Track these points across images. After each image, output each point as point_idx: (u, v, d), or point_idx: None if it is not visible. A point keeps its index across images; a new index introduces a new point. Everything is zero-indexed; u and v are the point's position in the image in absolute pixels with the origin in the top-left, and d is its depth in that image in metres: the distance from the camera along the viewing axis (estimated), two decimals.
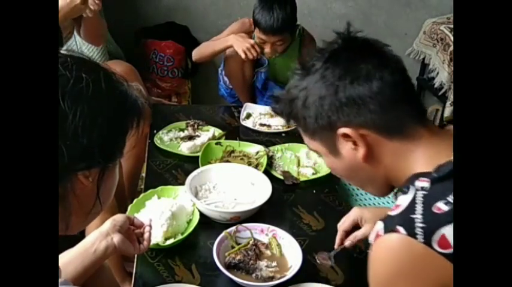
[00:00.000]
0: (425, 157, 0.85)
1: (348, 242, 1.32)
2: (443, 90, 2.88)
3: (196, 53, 2.30)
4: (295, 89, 0.92)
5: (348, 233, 1.34)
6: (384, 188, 0.97)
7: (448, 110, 2.82)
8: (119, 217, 1.21)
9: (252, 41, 2.12)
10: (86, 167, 0.76)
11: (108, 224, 1.17)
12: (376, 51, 0.91)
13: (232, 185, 1.61)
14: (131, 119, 0.83)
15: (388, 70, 0.87)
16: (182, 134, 1.95)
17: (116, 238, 1.15)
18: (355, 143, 0.88)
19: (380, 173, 0.92)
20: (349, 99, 0.86)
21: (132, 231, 1.23)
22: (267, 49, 2.15)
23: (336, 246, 1.36)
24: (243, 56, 2.10)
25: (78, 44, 2.31)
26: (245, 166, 1.71)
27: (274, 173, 1.75)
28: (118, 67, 2.04)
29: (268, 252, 1.36)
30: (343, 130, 0.87)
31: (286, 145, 1.94)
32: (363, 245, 1.43)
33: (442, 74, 2.83)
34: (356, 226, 1.34)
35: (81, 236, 1.65)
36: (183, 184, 1.56)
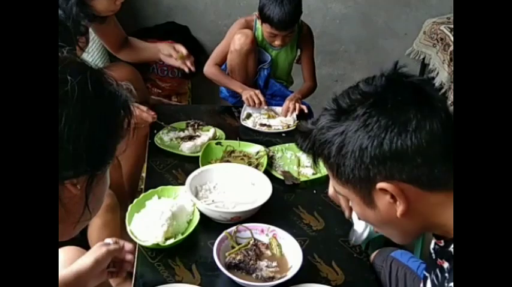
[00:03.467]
0: None
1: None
2: (443, 90, 2.87)
3: (209, 74, 2.31)
4: (329, 131, 0.82)
5: None
6: (415, 237, 0.92)
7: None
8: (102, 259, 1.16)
9: (257, 91, 2.18)
10: (73, 176, 0.73)
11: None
12: (426, 96, 0.81)
13: (233, 185, 1.61)
14: (121, 122, 0.79)
15: (437, 119, 0.78)
16: (182, 134, 1.95)
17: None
18: (393, 197, 0.80)
19: (417, 226, 0.86)
20: (394, 153, 0.77)
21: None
22: (278, 42, 2.17)
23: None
24: (246, 103, 2.18)
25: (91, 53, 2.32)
26: (245, 166, 1.71)
27: (274, 173, 1.75)
28: (120, 70, 2.05)
29: (268, 252, 1.36)
30: (382, 185, 0.79)
31: (286, 144, 1.94)
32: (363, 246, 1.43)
33: (442, 74, 2.83)
34: None
35: (82, 237, 1.66)
36: (183, 184, 1.56)
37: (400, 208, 0.80)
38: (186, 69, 2.14)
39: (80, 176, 0.74)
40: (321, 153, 0.85)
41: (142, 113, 1.78)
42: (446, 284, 0.81)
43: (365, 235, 1.32)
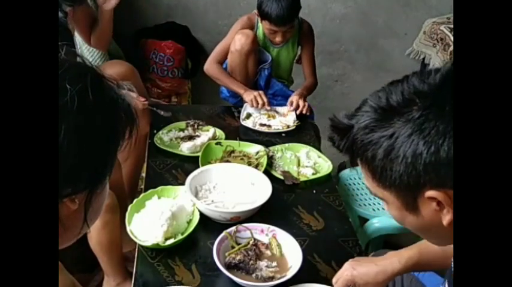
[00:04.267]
0: None
1: None
2: None
3: (211, 71, 2.31)
4: (375, 131, 0.76)
5: None
6: (450, 243, 0.85)
7: None
8: None
9: (260, 92, 2.18)
10: (71, 193, 0.68)
11: None
12: None
13: (233, 185, 1.61)
14: (123, 131, 0.73)
15: None
16: (182, 134, 1.95)
17: None
18: (439, 205, 0.75)
19: None
20: (451, 161, 0.70)
21: None
22: (278, 38, 2.18)
23: None
24: (250, 104, 2.18)
25: (78, 44, 2.31)
26: (245, 166, 1.71)
27: (274, 173, 1.75)
28: (118, 67, 2.05)
29: (268, 252, 1.36)
30: (432, 194, 0.74)
31: (286, 144, 1.94)
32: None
33: None
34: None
35: (82, 237, 1.65)
36: (183, 184, 1.56)
37: (447, 217, 0.76)
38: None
39: (79, 192, 0.69)
40: (363, 154, 0.78)
41: (132, 100, 1.78)
42: None
43: None
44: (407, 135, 0.72)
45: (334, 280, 1.25)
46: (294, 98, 2.20)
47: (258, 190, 1.58)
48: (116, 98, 0.72)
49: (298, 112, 2.17)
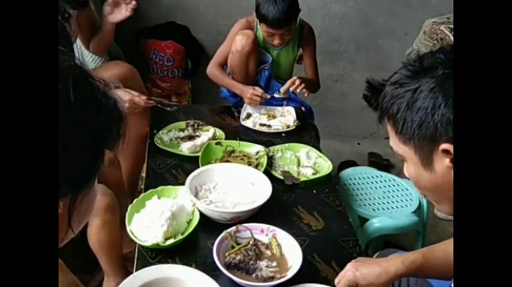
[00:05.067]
0: None
1: None
2: None
3: (211, 75, 2.32)
4: (403, 87, 0.83)
5: None
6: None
7: None
8: None
9: (254, 90, 2.17)
10: None
11: None
12: None
13: (233, 185, 1.61)
14: (109, 134, 0.70)
15: None
16: (182, 134, 1.95)
17: None
18: (452, 161, 0.80)
19: None
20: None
21: None
22: (276, 41, 2.18)
23: None
24: (250, 104, 2.20)
25: (78, 45, 2.31)
26: (245, 166, 1.71)
27: (274, 173, 1.75)
28: (118, 68, 2.05)
29: (268, 252, 1.36)
30: (446, 146, 0.79)
31: (286, 145, 1.94)
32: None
33: None
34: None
35: (82, 237, 1.66)
36: (183, 184, 1.56)
37: None
38: (129, 13, 2.08)
39: (63, 197, 0.65)
40: (389, 108, 0.85)
41: (134, 97, 1.79)
42: None
43: None
44: (430, 89, 0.79)
45: (336, 281, 1.25)
46: (291, 79, 2.17)
47: (258, 190, 1.58)
48: (101, 98, 0.68)
49: (292, 89, 2.14)
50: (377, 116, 0.90)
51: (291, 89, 2.15)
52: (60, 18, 1.59)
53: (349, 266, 1.24)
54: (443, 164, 0.82)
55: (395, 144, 0.89)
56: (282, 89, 2.20)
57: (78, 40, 2.20)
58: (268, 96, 2.21)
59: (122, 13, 2.06)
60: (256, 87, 2.19)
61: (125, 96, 1.77)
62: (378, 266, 1.19)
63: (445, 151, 0.80)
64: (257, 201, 1.52)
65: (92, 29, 2.12)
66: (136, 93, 1.80)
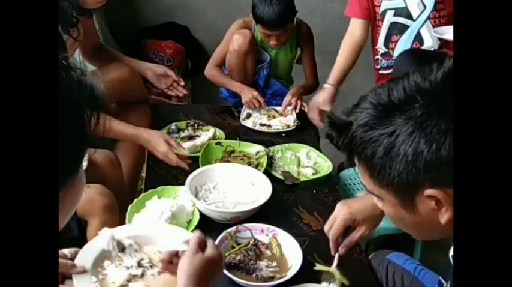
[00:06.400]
0: None
1: (343, 250, 1.24)
2: None
3: (209, 76, 2.34)
4: (375, 129, 0.75)
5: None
6: (440, 237, 0.86)
7: None
8: None
9: (255, 94, 2.19)
10: None
11: None
12: None
13: (233, 185, 1.61)
14: (82, 127, 0.66)
15: None
16: (182, 134, 1.95)
17: None
18: (437, 203, 0.75)
19: (450, 231, 0.78)
20: (452, 159, 0.69)
21: None
22: (273, 41, 2.19)
23: (335, 260, 1.25)
24: (247, 106, 2.21)
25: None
26: (245, 165, 1.71)
27: (274, 173, 1.75)
28: (119, 69, 2.05)
29: (268, 252, 1.36)
30: (431, 192, 0.74)
31: (286, 145, 1.94)
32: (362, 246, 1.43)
33: None
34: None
35: (82, 236, 1.66)
36: (183, 184, 1.56)
37: (445, 216, 0.76)
38: (173, 94, 2.19)
39: None
40: (362, 152, 0.77)
41: (169, 153, 1.74)
42: None
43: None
44: (408, 134, 0.72)
45: (326, 227, 1.22)
46: (287, 98, 2.21)
47: (258, 190, 1.58)
48: (77, 83, 0.64)
49: (290, 111, 2.19)
50: (345, 156, 0.82)
51: (288, 109, 2.20)
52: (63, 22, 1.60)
53: (339, 207, 1.21)
54: (428, 206, 0.76)
55: (370, 185, 0.82)
56: (281, 111, 2.23)
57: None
58: (267, 107, 2.22)
59: (162, 86, 2.16)
60: (259, 95, 2.19)
61: (161, 146, 1.74)
62: (368, 199, 1.14)
63: (430, 196, 0.75)
64: (257, 201, 1.52)
65: (91, 39, 2.11)
66: (174, 144, 1.76)
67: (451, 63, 0.75)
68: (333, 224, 1.23)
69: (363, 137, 0.76)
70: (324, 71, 2.78)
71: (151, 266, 1.12)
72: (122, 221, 1.53)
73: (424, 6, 1.98)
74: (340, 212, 1.21)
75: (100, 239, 1.14)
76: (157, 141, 1.73)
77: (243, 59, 2.21)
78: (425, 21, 1.98)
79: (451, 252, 0.84)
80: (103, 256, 1.12)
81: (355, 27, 2.15)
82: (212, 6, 3.04)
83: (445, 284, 0.93)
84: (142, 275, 1.11)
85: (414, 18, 2.01)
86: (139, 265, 1.13)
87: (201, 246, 0.97)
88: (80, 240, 1.71)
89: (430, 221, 0.78)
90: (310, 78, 2.37)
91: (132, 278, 1.08)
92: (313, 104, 2.11)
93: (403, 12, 2.02)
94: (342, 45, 2.18)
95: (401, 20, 2.03)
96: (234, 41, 2.18)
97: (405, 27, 2.03)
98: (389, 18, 2.04)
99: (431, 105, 0.72)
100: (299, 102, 2.19)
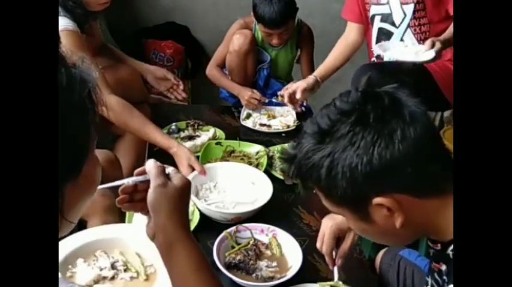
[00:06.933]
0: None
1: (339, 261, 1.26)
2: None
3: (210, 76, 2.35)
4: (315, 154, 0.81)
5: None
6: (411, 241, 0.93)
7: (448, 111, 2.82)
8: None
9: (250, 93, 2.19)
10: None
11: None
12: (403, 104, 0.81)
13: (233, 185, 1.61)
14: (80, 120, 0.66)
15: (420, 124, 0.78)
16: (182, 134, 1.95)
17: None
18: (389, 210, 0.80)
19: (415, 233, 0.87)
20: (385, 167, 0.76)
21: None
22: (275, 40, 2.19)
23: (335, 273, 1.27)
24: (248, 107, 2.21)
25: None
26: (245, 165, 1.71)
27: (274, 173, 1.75)
28: (119, 70, 2.05)
29: (268, 252, 1.36)
30: (378, 201, 0.79)
31: (286, 145, 1.94)
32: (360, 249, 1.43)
33: None
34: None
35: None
36: None
37: (398, 220, 0.80)
38: (172, 97, 2.19)
39: None
40: (310, 177, 0.83)
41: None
42: None
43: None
44: (341, 151, 0.78)
45: (318, 244, 1.26)
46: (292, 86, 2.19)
47: (258, 190, 1.58)
48: (67, 81, 0.63)
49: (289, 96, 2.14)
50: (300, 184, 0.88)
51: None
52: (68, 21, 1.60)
53: (325, 222, 1.26)
54: (381, 215, 0.81)
55: (329, 206, 0.87)
56: (280, 98, 2.19)
57: None
58: (267, 100, 2.23)
59: (161, 87, 2.15)
60: (255, 91, 2.20)
61: (182, 167, 1.66)
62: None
63: (380, 205, 0.79)
64: (258, 201, 1.52)
65: (95, 39, 2.12)
66: (197, 167, 1.66)
67: (365, 82, 0.85)
68: (323, 240, 1.26)
69: (307, 164, 0.82)
70: None
71: (125, 270, 1.11)
72: (122, 222, 1.53)
73: (404, 14, 1.96)
74: (327, 226, 1.25)
75: (81, 235, 1.13)
76: (181, 161, 1.66)
77: (243, 59, 2.21)
78: (406, 28, 1.97)
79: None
80: (78, 253, 1.11)
81: (350, 30, 2.16)
82: (212, 6, 3.04)
83: (428, 280, 0.95)
84: (113, 277, 1.09)
85: (397, 25, 1.99)
86: (113, 267, 1.11)
87: (165, 175, 0.90)
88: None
89: (389, 228, 0.82)
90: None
91: (100, 279, 1.07)
92: (291, 86, 2.10)
93: (388, 18, 2.00)
94: (336, 45, 2.20)
95: (387, 26, 2.02)
96: (234, 41, 2.18)
97: (390, 34, 2.02)
98: (377, 23, 2.04)
99: (355, 122, 0.78)
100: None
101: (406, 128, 0.77)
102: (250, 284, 1.24)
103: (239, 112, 2.20)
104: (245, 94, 2.19)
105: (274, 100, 2.26)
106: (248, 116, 2.18)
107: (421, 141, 0.78)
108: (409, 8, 1.94)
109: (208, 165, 1.68)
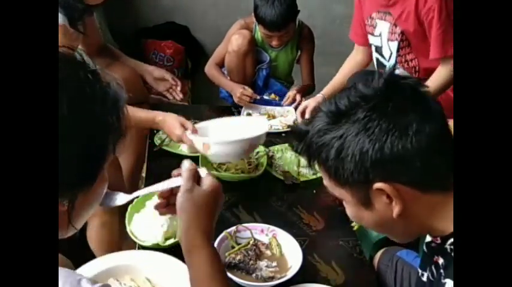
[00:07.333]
0: None
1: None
2: None
3: (209, 74, 2.37)
4: (327, 133, 0.82)
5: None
6: (411, 239, 0.94)
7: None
8: None
9: (248, 92, 2.20)
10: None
11: None
12: (423, 98, 0.83)
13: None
14: (105, 142, 0.70)
15: (436, 122, 0.80)
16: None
17: None
18: (389, 198, 0.82)
19: (413, 228, 0.88)
20: (395, 157, 0.78)
21: None
22: (275, 42, 2.20)
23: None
24: (241, 104, 2.22)
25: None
26: (236, 121, 1.83)
27: (274, 173, 1.75)
28: (118, 68, 2.04)
29: (268, 252, 1.36)
30: (379, 185, 0.80)
31: (286, 144, 1.94)
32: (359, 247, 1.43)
33: None
34: None
35: (81, 236, 1.66)
36: None
37: (396, 209, 0.82)
38: (171, 97, 2.19)
39: (61, 196, 0.66)
40: (318, 156, 0.85)
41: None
42: (442, 280, 0.82)
43: None
44: (354, 135, 0.79)
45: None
46: (292, 92, 2.22)
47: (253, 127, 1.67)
48: (101, 99, 0.68)
49: (293, 106, 2.20)
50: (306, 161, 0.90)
51: (293, 105, 2.22)
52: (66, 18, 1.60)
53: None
54: (381, 201, 0.83)
55: (331, 187, 0.89)
56: (273, 95, 2.29)
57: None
58: (258, 97, 2.23)
59: (160, 87, 2.16)
60: (246, 87, 2.20)
61: (176, 129, 1.68)
62: None
63: (380, 190, 0.81)
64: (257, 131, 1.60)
65: (94, 37, 2.11)
66: (190, 126, 1.71)
67: (392, 70, 0.88)
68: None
69: (318, 143, 0.83)
70: (324, 71, 2.79)
71: None
72: (121, 222, 1.53)
73: (390, 50, 1.95)
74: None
75: (94, 265, 1.17)
76: (172, 123, 1.70)
77: (242, 59, 2.22)
78: (395, 63, 1.94)
79: (425, 242, 0.93)
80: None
81: (357, 51, 2.15)
82: (212, 6, 3.05)
83: (420, 271, 0.96)
84: None
85: (387, 59, 1.98)
86: None
87: (195, 178, 0.94)
88: (79, 241, 1.71)
89: (387, 217, 0.84)
90: (306, 80, 2.39)
91: None
92: (302, 107, 2.09)
93: (380, 51, 1.99)
94: (344, 64, 2.18)
95: (380, 58, 2.01)
96: (233, 41, 2.19)
97: (384, 66, 2.01)
98: (374, 53, 2.03)
99: (373, 108, 0.79)
100: (302, 99, 2.21)
101: (422, 123, 0.78)
102: (250, 284, 1.24)
103: (239, 112, 2.20)
104: (237, 91, 2.20)
105: (265, 97, 2.27)
106: (248, 116, 2.18)
107: (434, 138, 0.79)
108: (394, 46, 1.91)
109: (199, 124, 1.75)
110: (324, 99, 2.07)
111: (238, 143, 1.56)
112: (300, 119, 2.06)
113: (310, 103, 2.04)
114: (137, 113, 1.72)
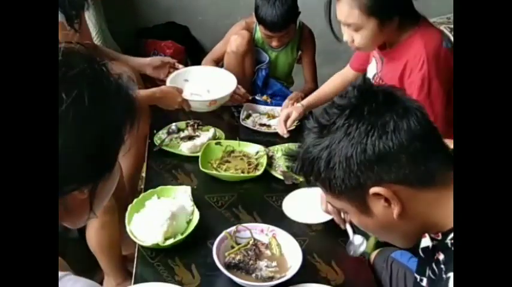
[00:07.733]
0: None
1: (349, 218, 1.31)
2: None
3: None
4: (315, 148, 0.85)
5: None
6: (416, 240, 0.95)
7: None
8: None
9: (241, 91, 2.18)
10: (76, 187, 0.73)
11: None
12: (397, 99, 0.85)
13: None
14: (122, 130, 0.77)
15: (413, 118, 0.82)
16: (182, 134, 1.95)
17: None
18: (387, 201, 0.83)
19: (416, 227, 0.88)
20: (378, 156, 0.80)
21: None
22: (275, 42, 2.19)
23: (349, 231, 1.38)
24: (237, 102, 2.20)
25: None
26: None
27: (274, 173, 1.75)
28: (117, 67, 2.04)
29: (268, 252, 1.36)
30: (374, 190, 0.82)
31: (286, 144, 1.94)
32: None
33: None
34: None
35: (82, 237, 1.66)
36: (183, 184, 1.56)
37: (395, 210, 0.83)
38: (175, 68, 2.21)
39: (84, 185, 0.74)
40: (312, 171, 0.87)
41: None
42: (444, 275, 0.82)
43: (363, 247, 1.35)
44: (337, 143, 0.82)
45: (324, 208, 1.38)
46: (286, 102, 2.19)
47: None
48: (115, 89, 0.74)
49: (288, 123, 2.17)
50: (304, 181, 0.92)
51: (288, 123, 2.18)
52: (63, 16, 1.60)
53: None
54: (379, 206, 0.84)
55: (331, 200, 0.91)
56: (265, 97, 2.30)
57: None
58: (250, 97, 2.23)
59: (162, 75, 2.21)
60: (240, 86, 2.18)
61: (178, 97, 1.94)
62: None
63: (376, 194, 0.82)
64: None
65: (86, 35, 2.10)
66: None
67: (362, 79, 0.94)
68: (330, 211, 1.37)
69: (309, 158, 0.86)
70: (324, 71, 2.79)
71: None
72: (121, 222, 1.53)
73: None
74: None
75: None
76: (171, 92, 1.93)
77: (241, 60, 2.22)
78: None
79: (423, 244, 0.94)
80: None
81: (349, 71, 2.06)
82: (212, 6, 3.05)
83: (419, 277, 0.97)
84: None
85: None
86: None
87: None
88: (80, 240, 1.72)
89: (389, 221, 0.85)
90: (309, 82, 2.37)
91: None
92: (285, 115, 2.01)
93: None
94: (332, 78, 2.11)
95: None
96: (232, 42, 2.19)
97: None
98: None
99: (350, 115, 0.82)
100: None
101: (399, 120, 0.80)
102: (250, 284, 1.24)
103: (239, 112, 2.20)
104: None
105: (257, 98, 2.27)
106: (248, 116, 2.18)
107: (414, 133, 0.80)
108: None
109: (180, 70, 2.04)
110: (303, 110, 2.03)
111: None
112: (282, 127, 1.99)
113: (293, 113, 1.99)
114: (139, 94, 1.78)
